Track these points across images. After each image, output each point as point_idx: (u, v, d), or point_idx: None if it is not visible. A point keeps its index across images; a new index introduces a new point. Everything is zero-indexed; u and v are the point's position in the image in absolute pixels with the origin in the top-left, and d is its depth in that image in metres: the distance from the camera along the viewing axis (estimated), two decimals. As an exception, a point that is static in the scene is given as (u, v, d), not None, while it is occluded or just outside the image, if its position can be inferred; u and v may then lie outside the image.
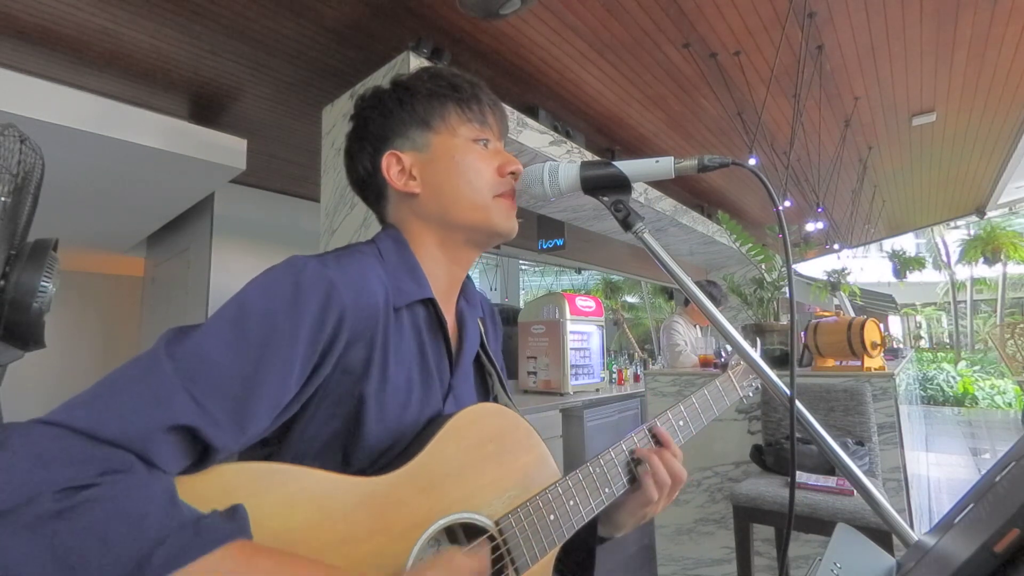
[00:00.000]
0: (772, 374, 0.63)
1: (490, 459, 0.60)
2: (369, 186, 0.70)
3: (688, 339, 3.54)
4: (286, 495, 0.46)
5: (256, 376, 0.47)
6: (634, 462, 0.68)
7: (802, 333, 2.39)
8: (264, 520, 0.44)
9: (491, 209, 0.66)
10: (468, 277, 0.74)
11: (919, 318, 19.38)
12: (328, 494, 0.48)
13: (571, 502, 0.62)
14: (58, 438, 0.38)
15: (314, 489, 0.48)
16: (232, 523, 0.41)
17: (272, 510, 0.45)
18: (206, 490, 0.43)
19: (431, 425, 0.59)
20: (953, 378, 10.19)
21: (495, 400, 0.73)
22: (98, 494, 0.37)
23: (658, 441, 0.71)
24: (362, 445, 0.56)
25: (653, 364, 5.94)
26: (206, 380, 0.45)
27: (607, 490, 0.66)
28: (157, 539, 0.36)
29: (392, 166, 0.66)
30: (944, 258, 16.14)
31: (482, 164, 0.67)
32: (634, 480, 0.68)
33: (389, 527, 0.51)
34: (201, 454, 0.45)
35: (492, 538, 0.57)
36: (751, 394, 0.88)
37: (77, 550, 0.34)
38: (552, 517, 0.61)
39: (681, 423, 0.75)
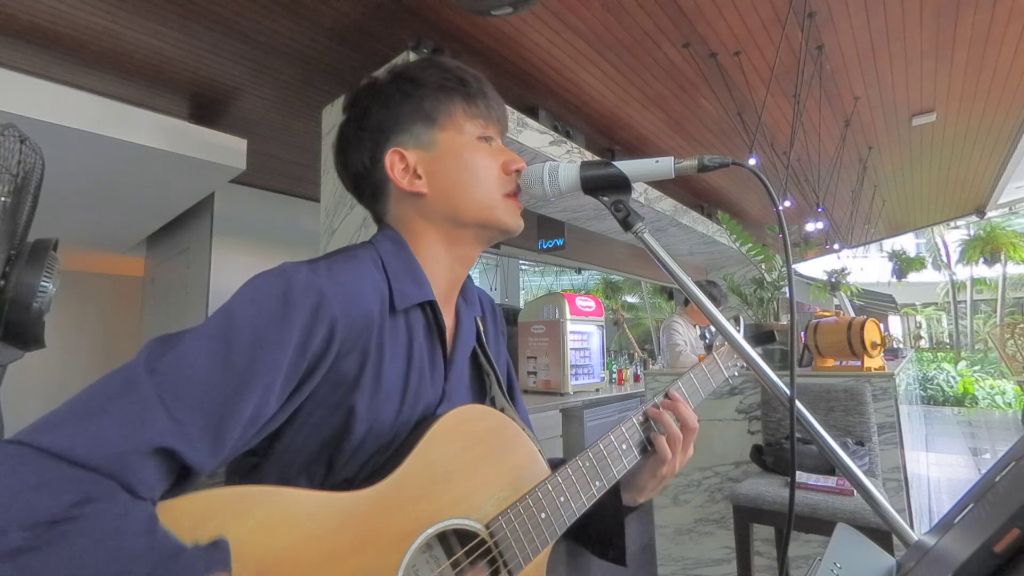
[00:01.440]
0: (772, 374, 0.63)
1: (479, 462, 0.58)
2: (365, 181, 0.67)
3: (688, 339, 3.54)
4: (264, 517, 0.45)
5: (238, 395, 0.45)
6: (644, 429, 0.71)
7: (802, 333, 2.39)
8: (244, 545, 0.42)
9: (500, 208, 0.66)
10: (468, 276, 0.72)
11: (919, 318, 19.38)
12: (310, 512, 0.47)
13: (562, 498, 0.62)
14: (30, 462, 0.36)
15: (294, 509, 0.46)
16: (214, 554, 0.40)
17: (250, 534, 0.43)
18: (180, 519, 0.42)
19: (416, 431, 0.57)
20: (953, 378, 10.20)
21: (491, 402, 0.71)
22: (73, 528, 0.35)
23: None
24: (350, 454, 0.54)
25: (653, 364, 5.94)
26: (186, 398, 0.43)
27: (598, 483, 0.65)
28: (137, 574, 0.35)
29: (396, 164, 0.64)
30: (944, 258, 16.14)
31: (490, 162, 0.66)
32: (631, 459, 0.69)
33: (377, 538, 0.49)
34: (180, 475, 0.43)
35: (484, 542, 0.56)
36: (736, 373, 0.89)
37: None
38: (543, 515, 0.60)
39: None
